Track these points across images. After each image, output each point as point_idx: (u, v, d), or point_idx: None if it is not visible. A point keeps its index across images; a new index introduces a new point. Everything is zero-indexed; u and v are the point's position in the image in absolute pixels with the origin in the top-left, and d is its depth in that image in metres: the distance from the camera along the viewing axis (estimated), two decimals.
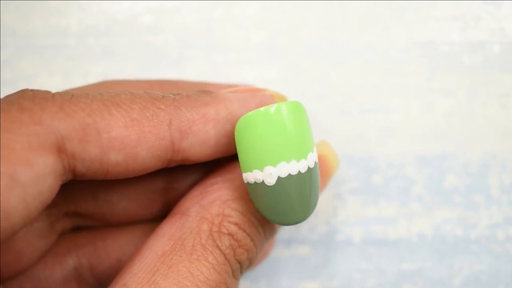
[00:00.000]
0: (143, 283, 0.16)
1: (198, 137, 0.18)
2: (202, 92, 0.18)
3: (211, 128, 0.18)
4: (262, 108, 0.17)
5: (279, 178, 0.17)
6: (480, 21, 0.26)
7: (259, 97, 0.20)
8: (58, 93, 0.16)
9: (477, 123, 0.26)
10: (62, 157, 0.16)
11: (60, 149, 0.16)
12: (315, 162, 0.17)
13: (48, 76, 0.26)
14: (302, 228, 0.26)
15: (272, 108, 0.17)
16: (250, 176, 0.17)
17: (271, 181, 0.17)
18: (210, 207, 0.18)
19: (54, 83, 0.26)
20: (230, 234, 0.18)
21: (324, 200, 0.26)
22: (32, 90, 0.16)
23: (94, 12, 0.27)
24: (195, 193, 0.19)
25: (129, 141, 0.16)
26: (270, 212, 0.17)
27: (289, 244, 0.26)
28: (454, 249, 0.26)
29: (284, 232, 0.26)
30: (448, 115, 0.26)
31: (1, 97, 0.26)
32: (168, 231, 0.18)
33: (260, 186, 0.17)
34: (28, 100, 0.16)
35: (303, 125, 0.17)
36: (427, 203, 0.26)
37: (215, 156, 0.19)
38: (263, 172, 0.17)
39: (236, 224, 0.18)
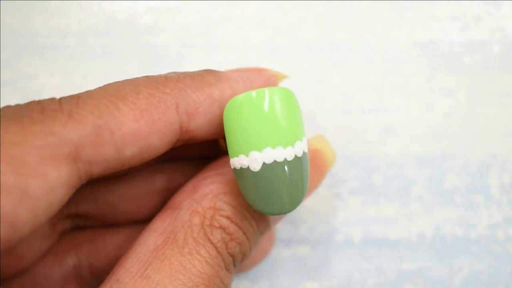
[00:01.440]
0: (136, 277, 0.16)
1: (205, 118, 0.18)
2: (205, 72, 0.18)
3: (216, 108, 0.18)
4: (249, 92, 0.17)
5: (264, 164, 0.16)
6: (480, 21, 0.26)
7: (263, 76, 0.19)
8: (63, 99, 0.16)
9: (477, 123, 0.26)
10: (78, 166, 0.16)
11: (75, 159, 0.15)
12: (304, 152, 0.17)
13: (48, 76, 0.26)
14: (302, 228, 0.26)
15: (260, 92, 0.17)
16: (236, 162, 0.17)
17: (256, 166, 0.16)
18: (202, 201, 0.18)
19: (54, 83, 0.26)
20: (221, 228, 0.17)
21: (324, 200, 0.26)
22: (39, 102, 0.16)
23: (94, 12, 0.27)
24: (188, 187, 0.19)
25: (141, 133, 0.16)
26: (255, 200, 0.17)
27: (289, 244, 0.26)
28: (454, 249, 0.26)
29: (284, 232, 0.26)
30: (448, 115, 0.26)
31: (1, 97, 0.26)
32: (161, 225, 0.18)
33: (246, 172, 0.17)
34: (37, 112, 0.15)
35: (291, 113, 0.17)
36: (427, 203, 0.26)
37: (221, 135, 0.19)
38: (249, 157, 0.16)
39: (227, 217, 0.18)
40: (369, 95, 0.26)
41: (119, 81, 0.17)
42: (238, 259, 0.18)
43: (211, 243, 0.17)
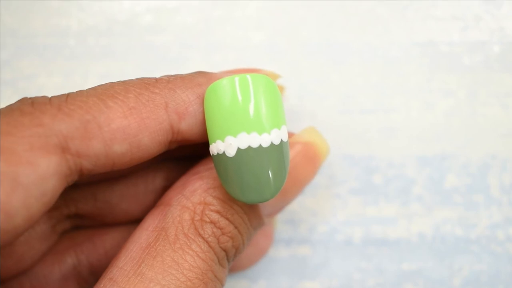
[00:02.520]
0: (130, 275, 0.16)
1: (196, 118, 0.18)
2: (196, 73, 0.19)
3: None
4: (229, 77, 0.17)
5: (238, 150, 0.16)
6: (480, 21, 0.26)
7: None
8: (53, 96, 0.16)
9: (477, 123, 0.26)
10: (67, 158, 0.16)
11: (64, 150, 0.16)
12: (282, 141, 0.17)
13: (48, 76, 0.26)
14: (302, 228, 0.26)
15: (239, 78, 0.17)
16: (214, 147, 0.17)
17: (231, 152, 0.17)
18: (191, 196, 0.18)
19: (54, 83, 0.26)
20: (212, 222, 0.17)
21: (324, 200, 0.26)
22: (30, 98, 0.16)
23: (94, 12, 0.27)
24: (178, 184, 0.19)
25: (130, 130, 0.17)
26: (232, 187, 0.17)
27: (288, 244, 0.26)
28: (454, 249, 0.26)
29: (284, 232, 0.26)
30: (448, 115, 0.26)
31: (1, 97, 0.26)
32: (152, 223, 0.18)
33: (222, 157, 0.17)
34: (28, 105, 0.16)
35: (270, 101, 0.17)
36: (427, 203, 0.26)
37: None
38: (224, 142, 0.17)
39: (218, 211, 0.18)
40: (369, 95, 0.26)
41: (110, 82, 0.17)
42: (231, 253, 0.18)
43: (202, 237, 0.17)
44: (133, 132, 0.17)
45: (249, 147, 0.16)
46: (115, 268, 0.17)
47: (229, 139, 0.17)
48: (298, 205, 0.26)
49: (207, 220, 0.17)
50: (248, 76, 0.17)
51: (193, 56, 0.26)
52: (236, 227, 0.18)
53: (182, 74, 0.18)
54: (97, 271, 0.21)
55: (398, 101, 0.26)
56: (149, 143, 0.17)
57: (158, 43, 0.26)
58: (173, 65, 0.26)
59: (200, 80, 0.18)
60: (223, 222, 0.18)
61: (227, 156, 0.17)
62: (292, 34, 0.26)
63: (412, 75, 0.26)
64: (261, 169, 0.17)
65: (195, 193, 0.18)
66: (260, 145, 0.17)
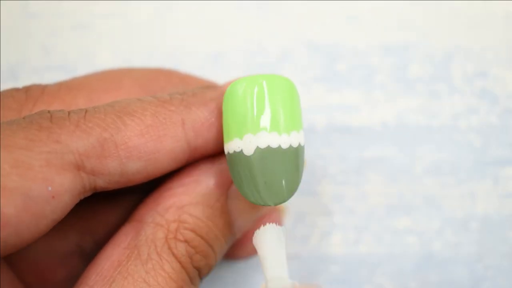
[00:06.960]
0: None
1: (212, 133, 0.18)
2: (206, 88, 0.19)
3: (220, 120, 0.18)
4: (249, 76, 0.17)
5: (257, 149, 0.16)
6: None
7: None
8: (73, 111, 0.17)
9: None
10: (82, 176, 0.16)
11: (79, 168, 0.16)
12: (300, 144, 0.17)
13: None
14: (301, 226, 0.26)
15: (264, 77, 0.17)
16: (231, 145, 0.17)
17: (249, 150, 0.16)
18: (165, 214, 0.18)
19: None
20: (186, 241, 0.17)
21: (324, 197, 0.26)
22: (49, 111, 0.16)
23: (94, 12, 0.27)
24: (150, 199, 0.19)
25: (146, 148, 0.17)
26: (245, 188, 0.17)
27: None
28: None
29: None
30: (455, 117, 0.26)
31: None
32: (124, 239, 0.18)
33: (239, 156, 0.17)
34: (46, 119, 0.16)
35: (291, 102, 0.17)
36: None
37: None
38: (243, 140, 0.17)
39: (192, 230, 0.18)
40: (370, 95, 0.26)
41: (126, 99, 0.18)
42: (204, 271, 0.18)
43: (175, 257, 0.17)
44: (149, 150, 0.17)
45: (269, 147, 0.16)
46: (85, 286, 0.17)
47: (248, 137, 0.16)
48: None
49: (181, 238, 0.17)
50: (275, 77, 0.17)
51: (193, 56, 0.26)
52: (210, 246, 0.18)
53: (192, 89, 0.18)
54: (101, 246, 0.21)
55: (401, 103, 0.26)
56: (165, 160, 0.17)
57: (158, 43, 0.26)
58: (173, 65, 0.26)
59: (212, 94, 0.18)
60: (197, 241, 0.18)
61: (245, 155, 0.17)
62: (292, 34, 0.26)
63: (416, 75, 0.26)
64: (279, 170, 0.17)
65: (169, 210, 0.18)
66: (280, 146, 0.17)
